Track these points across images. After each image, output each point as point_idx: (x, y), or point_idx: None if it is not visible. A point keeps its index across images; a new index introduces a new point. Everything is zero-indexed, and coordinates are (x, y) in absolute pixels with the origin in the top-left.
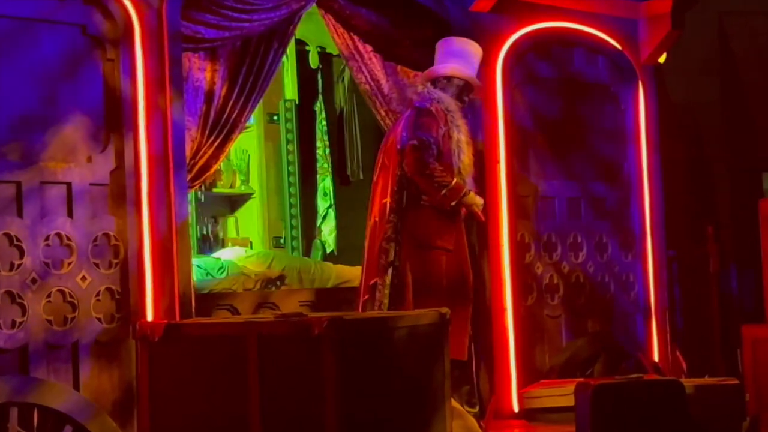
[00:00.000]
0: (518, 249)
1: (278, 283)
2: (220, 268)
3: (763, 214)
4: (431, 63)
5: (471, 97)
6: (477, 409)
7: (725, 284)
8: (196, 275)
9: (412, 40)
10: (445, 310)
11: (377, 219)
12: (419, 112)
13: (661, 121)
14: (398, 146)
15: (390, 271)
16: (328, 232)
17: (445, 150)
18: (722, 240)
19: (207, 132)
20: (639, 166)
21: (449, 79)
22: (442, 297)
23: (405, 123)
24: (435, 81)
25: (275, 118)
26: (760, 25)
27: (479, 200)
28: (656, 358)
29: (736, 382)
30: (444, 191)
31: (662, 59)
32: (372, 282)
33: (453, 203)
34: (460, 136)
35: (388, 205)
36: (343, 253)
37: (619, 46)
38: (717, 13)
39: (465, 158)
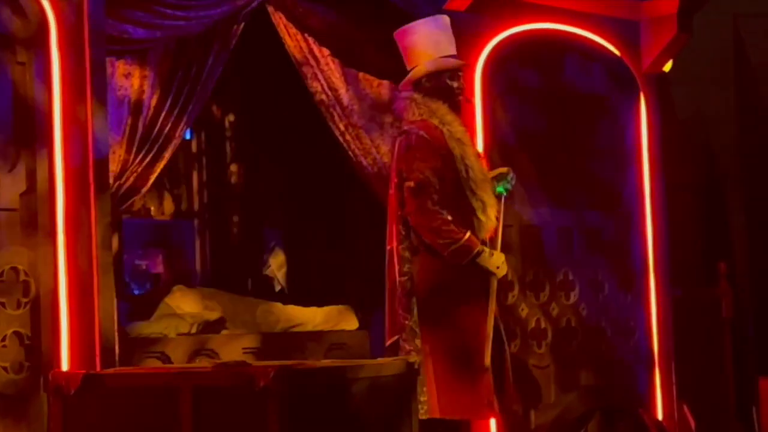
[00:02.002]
0: (498, 288)
1: (218, 326)
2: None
3: None
4: (399, 69)
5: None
6: None
7: (740, 330)
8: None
9: (376, 43)
10: (413, 358)
11: (393, 249)
12: (408, 141)
13: (666, 139)
14: (395, 179)
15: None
16: (276, 266)
17: (449, 175)
18: (737, 279)
19: (135, 148)
20: (640, 191)
21: (433, 75)
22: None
23: (397, 152)
24: (417, 84)
25: None
26: None
27: (496, 261)
28: (660, 415)
29: None
30: (451, 249)
31: (667, 67)
32: (390, 342)
33: (464, 263)
34: (464, 148)
35: (395, 253)
36: (295, 292)
37: (617, 52)
38: (731, 14)
39: (475, 173)
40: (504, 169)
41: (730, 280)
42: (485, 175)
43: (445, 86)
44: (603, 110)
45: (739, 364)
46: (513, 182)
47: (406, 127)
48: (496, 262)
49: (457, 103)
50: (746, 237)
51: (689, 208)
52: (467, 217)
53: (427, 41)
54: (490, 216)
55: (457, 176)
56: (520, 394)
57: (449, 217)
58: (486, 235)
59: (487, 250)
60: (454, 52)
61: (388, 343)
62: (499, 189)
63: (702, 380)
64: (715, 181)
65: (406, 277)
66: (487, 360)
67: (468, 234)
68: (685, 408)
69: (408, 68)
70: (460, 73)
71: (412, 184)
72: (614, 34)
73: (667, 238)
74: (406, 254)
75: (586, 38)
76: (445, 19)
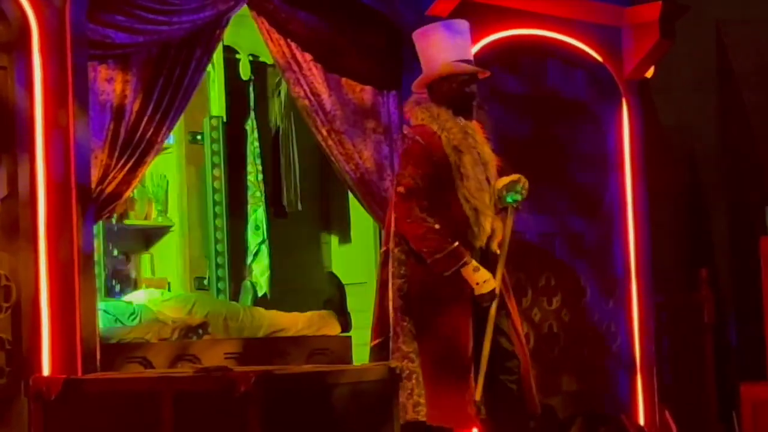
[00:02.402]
0: None
1: (200, 331)
2: (132, 314)
3: (765, 254)
4: (380, 74)
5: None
6: None
7: (722, 336)
8: (102, 322)
9: (359, 49)
10: (395, 364)
11: (389, 251)
12: (404, 145)
13: (649, 145)
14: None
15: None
16: (260, 272)
17: (444, 182)
18: (719, 285)
19: (117, 154)
20: (623, 197)
21: (446, 78)
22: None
23: (399, 157)
24: (429, 87)
25: (199, 137)
26: (763, 36)
27: (478, 276)
28: (642, 421)
29: None
30: (434, 257)
31: (650, 74)
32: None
33: (447, 273)
34: (461, 156)
35: (390, 254)
36: (278, 297)
37: (600, 58)
38: (714, 21)
39: (470, 182)
40: (515, 177)
41: (712, 286)
42: (482, 184)
43: (458, 91)
44: (585, 116)
45: (721, 369)
46: (525, 191)
47: (405, 132)
48: (478, 278)
49: (470, 108)
50: (728, 243)
51: (671, 214)
52: (461, 227)
53: (444, 44)
54: (484, 225)
55: (452, 184)
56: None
57: (437, 226)
58: (481, 244)
59: (472, 264)
60: (470, 57)
61: (372, 343)
62: (509, 199)
63: (684, 386)
64: (697, 188)
65: (402, 280)
66: (471, 369)
67: (454, 245)
68: (667, 413)
69: (423, 70)
70: (475, 79)
71: (401, 189)
72: (596, 40)
73: (649, 243)
74: (402, 257)
75: (568, 44)
76: (464, 23)
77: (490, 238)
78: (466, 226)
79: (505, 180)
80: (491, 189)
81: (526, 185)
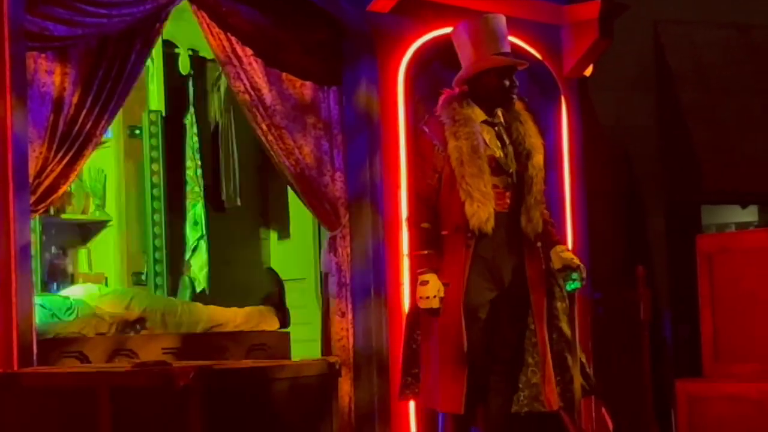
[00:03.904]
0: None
1: (137, 326)
2: (69, 309)
3: (701, 252)
4: (322, 70)
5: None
6: None
7: (657, 333)
8: (39, 317)
9: (300, 44)
10: (333, 359)
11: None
12: (416, 139)
13: (587, 144)
14: None
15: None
16: (198, 267)
17: (445, 169)
18: (655, 283)
19: (55, 146)
20: (561, 196)
21: (485, 72)
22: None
23: None
24: (469, 82)
25: (137, 131)
26: (700, 36)
27: (422, 291)
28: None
29: None
30: (410, 255)
31: (589, 72)
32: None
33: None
34: (461, 142)
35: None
36: (217, 293)
37: (538, 56)
38: (652, 21)
39: (465, 168)
40: (574, 264)
41: (648, 283)
42: (481, 170)
43: (496, 84)
44: None
45: (657, 366)
46: (584, 280)
47: (421, 124)
48: (422, 292)
49: (510, 100)
50: (664, 241)
51: (609, 213)
52: (458, 215)
53: (477, 40)
54: (478, 213)
55: (451, 174)
56: None
57: (424, 225)
58: (476, 226)
59: (423, 278)
60: (508, 49)
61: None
62: (569, 288)
63: (620, 382)
64: (634, 186)
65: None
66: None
67: (423, 252)
68: (604, 410)
69: (462, 66)
70: (513, 71)
71: (418, 192)
72: (536, 38)
73: (587, 242)
74: None
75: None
76: (501, 17)
77: (525, 232)
78: (464, 214)
79: (564, 260)
80: (534, 184)
81: (584, 273)
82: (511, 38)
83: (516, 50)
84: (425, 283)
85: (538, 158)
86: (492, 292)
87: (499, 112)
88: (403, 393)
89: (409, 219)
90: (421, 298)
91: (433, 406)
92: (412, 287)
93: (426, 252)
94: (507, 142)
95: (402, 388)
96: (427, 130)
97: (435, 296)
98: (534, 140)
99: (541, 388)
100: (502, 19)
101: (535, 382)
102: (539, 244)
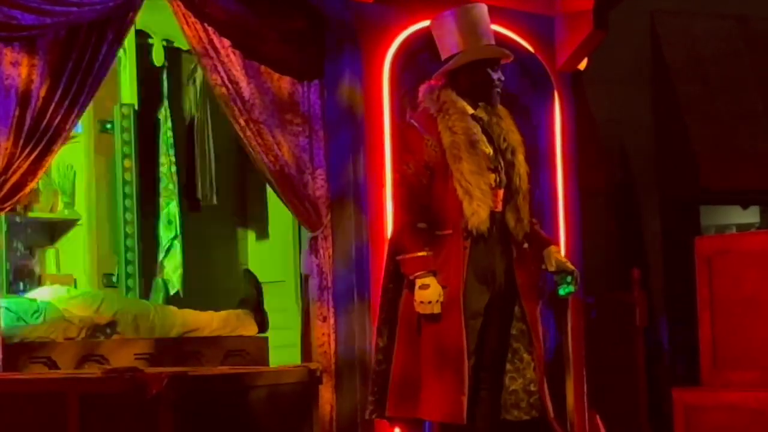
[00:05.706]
0: None
1: (108, 331)
2: (36, 312)
3: (699, 255)
4: (302, 63)
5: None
6: None
7: (654, 339)
8: (4, 320)
9: (279, 35)
10: (314, 365)
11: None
12: (402, 131)
13: (581, 140)
14: None
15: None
16: (172, 269)
17: (438, 164)
18: (651, 287)
19: (22, 142)
20: (554, 194)
21: (470, 65)
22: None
23: None
24: (450, 74)
25: (108, 126)
26: (698, 28)
27: (420, 295)
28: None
29: None
30: (398, 256)
31: (583, 65)
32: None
33: (408, 277)
34: (457, 137)
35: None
36: (191, 296)
37: (531, 48)
38: (648, 12)
39: (463, 165)
40: (568, 268)
41: (644, 287)
42: (480, 166)
43: (479, 77)
44: (515, 109)
45: (652, 372)
46: (577, 284)
47: (406, 117)
48: (422, 297)
49: (492, 94)
50: (660, 243)
51: (603, 212)
52: (455, 213)
53: (464, 30)
54: (478, 212)
55: (444, 167)
56: None
57: (420, 224)
58: (475, 225)
59: (423, 281)
60: (492, 41)
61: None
62: (562, 292)
63: (614, 388)
64: (629, 184)
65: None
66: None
67: (421, 253)
68: (597, 417)
69: (442, 58)
70: (496, 63)
71: (397, 176)
72: (528, 30)
73: (580, 243)
74: None
75: (498, 33)
76: (482, 6)
77: (513, 232)
78: (460, 213)
79: (559, 263)
80: (522, 182)
81: (578, 278)
82: (502, 29)
83: (506, 42)
84: (426, 287)
85: (522, 155)
86: (486, 295)
87: (481, 106)
88: (372, 412)
89: (399, 219)
90: (422, 302)
91: (430, 417)
92: (397, 293)
93: (424, 254)
94: (492, 138)
95: (370, 406)
96: (416, 123)
97: (437, 301)
98: (516, 136)
99: (523, 395)
100: (485, 8)
101: (514, 389)
102: (526, 245)
